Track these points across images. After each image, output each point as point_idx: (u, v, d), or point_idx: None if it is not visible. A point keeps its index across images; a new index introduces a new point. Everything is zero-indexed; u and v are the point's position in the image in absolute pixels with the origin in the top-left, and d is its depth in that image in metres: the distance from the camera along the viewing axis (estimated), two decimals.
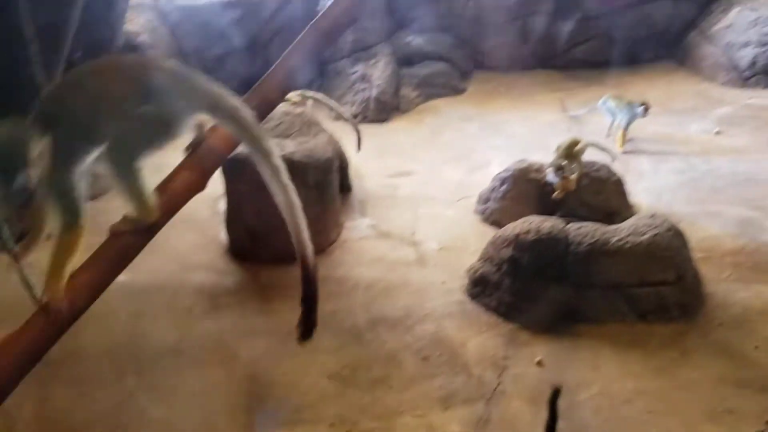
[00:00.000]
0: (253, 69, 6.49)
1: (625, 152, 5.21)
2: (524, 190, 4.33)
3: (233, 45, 6.56)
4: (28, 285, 1.76)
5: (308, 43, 2.24)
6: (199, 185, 2.07)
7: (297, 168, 4.10)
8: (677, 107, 5.97)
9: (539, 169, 4.34)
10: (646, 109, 5.36)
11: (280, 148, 4.10)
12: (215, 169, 2.20)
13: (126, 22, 5.70)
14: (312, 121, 4.48)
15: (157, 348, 3.60)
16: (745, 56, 6.16)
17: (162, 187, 2.01)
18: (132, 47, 5.84)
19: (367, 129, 6.05)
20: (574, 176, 4.20)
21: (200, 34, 6.47)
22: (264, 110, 2.25)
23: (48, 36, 3.89)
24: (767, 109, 5.72)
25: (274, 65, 2.19)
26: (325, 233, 4.34)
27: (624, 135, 5.38)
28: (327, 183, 4.30)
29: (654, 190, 4.72)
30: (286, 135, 4.28)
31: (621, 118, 5.41)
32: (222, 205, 4.70)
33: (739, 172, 4.85)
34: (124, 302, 3.94)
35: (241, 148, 3.80)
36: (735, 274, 3.80)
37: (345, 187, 4.91)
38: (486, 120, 6.09)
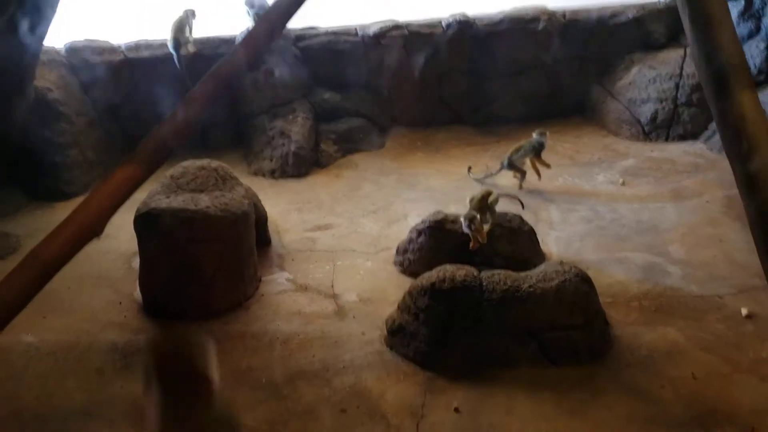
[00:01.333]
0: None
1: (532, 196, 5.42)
2: (440, 241, 4.41)
3: (146, 100, 6.50)
4: None
5: (207, 90, 2.29)
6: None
7: (212, 222, 4.08)
8: (584, 160, 6.24)
9: (454, 221, 4.43)
10: (543, 134, 5.73)
11: (193, 203, 4.08)
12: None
13: (36, 77, 5.61)
14: (227, 176, 4.47)
15: (65, 411, 3.46)
16: (646, 112, 6.53)
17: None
18: (42, 103, 5.73)
19: (286, 184, 6.11)
20: (486, 227, 4.32)
21: (112, 90, 6.40)
22: (161, 155, 2.30)
23: None
24: (667, 161, 6.04)
25: (174, 109, 2.22)
26: (242, 287, 4.29)
27: (539, 161, 5.73)
28: (243, 237, 4.28)
29: (564, 238, 4.89)
30: (201, 189, 4.25)
31: (527, 153, 5.71)
32: (136, 262, 4.60)
33: (643, 220, 5.09)
34: (31, 363, 3.79)
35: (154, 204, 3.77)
36: (641, 317, 3.96)
37: (263, 241, 4.89)
38: (403, 174, 6.20)
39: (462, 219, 4.28)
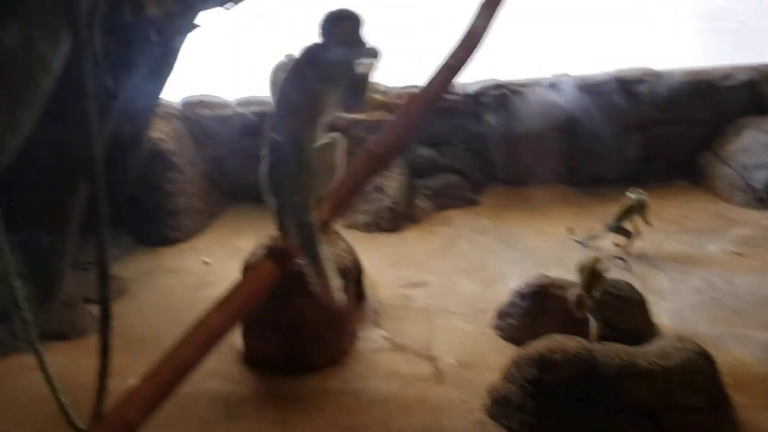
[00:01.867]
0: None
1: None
2: (545, 307, 4.25)
3: (251, 154, 6.68)
4: (53, 387, 1.69)
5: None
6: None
7: None
8: (693, 226, 5.97)
9: (561, 286, 4.27)
10: (641, 193, 5.61)
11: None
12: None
13: (152, 129, 5.86)
14: (330, 228, 4.46)
15: None
16: (760, 178, 6.21)
17: None
18: (156, 153, 5.96)
19: (379, 238, 6.08)
20: (596, 296, 4.14)
21: (221, 143, 6.61)
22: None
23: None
24: None
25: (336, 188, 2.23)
26: (340, 343, 4.24)
27: (644, 219, 5.57)
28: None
29: (676, 310, 4.63)
30: None
31: (631, 214, 5.55)
32: None
33: (763, 294, 4.77)
34: None
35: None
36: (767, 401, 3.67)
37: (359, 296, 4.85)
38: (500, 232, 6.09)
39: (571, 301, 4.08)
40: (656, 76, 6.73)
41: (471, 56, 2.70)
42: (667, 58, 7.13)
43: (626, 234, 5.52)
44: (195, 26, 4.75)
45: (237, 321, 2.29)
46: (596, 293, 4.09)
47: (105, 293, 2.09)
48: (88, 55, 2.05)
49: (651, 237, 5.64)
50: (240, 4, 4.39)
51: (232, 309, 2.28)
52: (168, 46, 4.74)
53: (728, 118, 6.73)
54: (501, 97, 6.77)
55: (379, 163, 2.61)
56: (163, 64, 4.96)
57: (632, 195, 5.59)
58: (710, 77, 6.75)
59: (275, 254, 2.42)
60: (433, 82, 2.80)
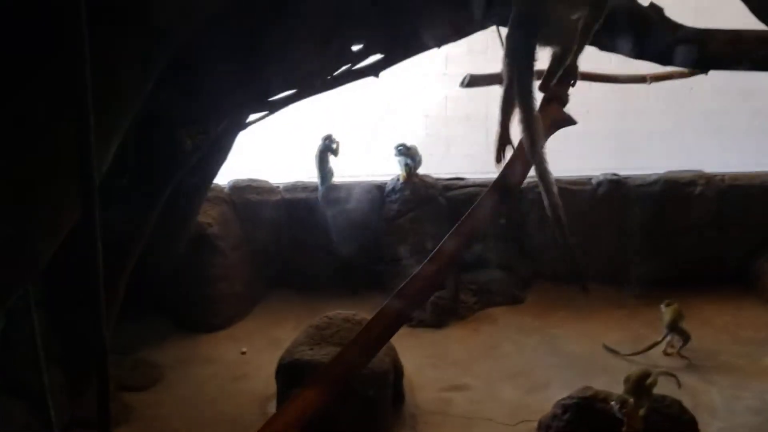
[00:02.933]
0: (318, 267, 6.70)
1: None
2: (589, 421, 4.07)
3: (297, 240, 6.78)
4: None
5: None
6: None
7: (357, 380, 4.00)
8: (747, 336, 5.72)
9: (605, 399, 4.10)
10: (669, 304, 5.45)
11: None
12: None
13: (200, 213, 5.97)
14: None
15: None
16: None
17: None
18: (201, 237, 6.04)
19: (423, 334, 5.98)
20: (642, 412, 3.96)
21: (267, 228, 6.68)
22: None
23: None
24: None
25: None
26: None
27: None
28: (380, 398, 4.17)
29: (728, 431, 4.39)
30: (344, 344, 4.21)
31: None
32: (272, 407, 4.57)
33: None
34: None
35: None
36: None
37: (397, 398, 4.74)
38: (545, 334, 5.93)
39: (614, 402, 3.95)
40: (708, 178, 6.61)
41: None
42: (720, 159, 7.04)
43: (685, 336, 5.34)
44: (246, 125, 4.90)
45: None
46: (642, 410, 3.92)
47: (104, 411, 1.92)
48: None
49: (702, 346, 5.44)
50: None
51: None
52: (220, 141, 4.88)
53: None
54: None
55: None
56: (215, 154, 5.09)
57: (663, 307, 5.47)
58: (763, 181, 6.60)
59: None
60: None
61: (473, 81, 5.17)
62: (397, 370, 4.66)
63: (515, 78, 2.33)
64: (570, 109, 6.98)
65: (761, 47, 1.93)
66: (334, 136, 6.75)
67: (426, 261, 2.07)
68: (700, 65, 2.44)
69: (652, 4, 2.28)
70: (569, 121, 1.82)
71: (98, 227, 1.73)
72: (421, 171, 6.80)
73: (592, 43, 2.37)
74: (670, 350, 5.41)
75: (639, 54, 2.48)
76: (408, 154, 6.65)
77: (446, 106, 7.41)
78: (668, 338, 5.39)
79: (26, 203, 2.47)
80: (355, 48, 3.55)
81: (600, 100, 7.02)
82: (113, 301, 4.46)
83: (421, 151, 6.84)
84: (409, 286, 2.09)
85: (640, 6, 2.22)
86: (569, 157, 7.30)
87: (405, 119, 7.51)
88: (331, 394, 2.12)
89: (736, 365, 5.27)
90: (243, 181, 6.78)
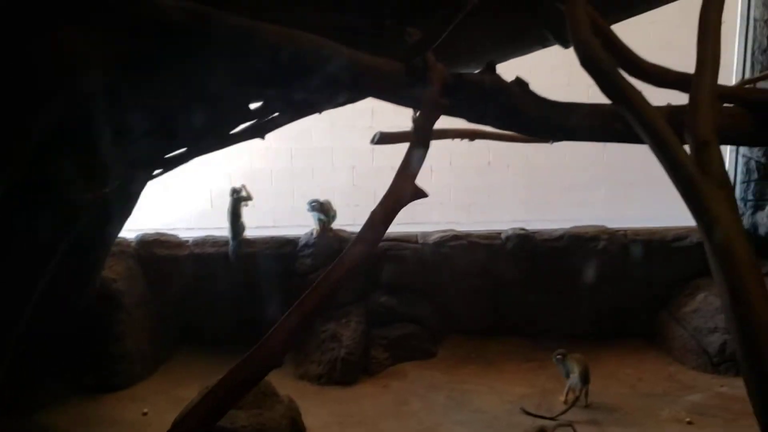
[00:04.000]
0: (227, 324, 6.58)
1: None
2: None
3: (206, 296, 6.66)
4: None
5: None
6: None
7: None
8: (647, 390, 5.88)
9: None
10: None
11: (229, 421, 3.94)
12: None
13: (105, 268, 5.81)
14: (269, 392, 4.35)
15: None
16: (714, 342, 6.19)
17: None
18: (105, 293, 5.87)
19: (331, 392, 5.92)
20: None
21: (174, 284, 6.56)
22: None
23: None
24: (739, 401, 5.59)
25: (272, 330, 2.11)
26: None
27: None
28: None
29: None
30: (239, 406, 4.12)
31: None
32: None
33: None
34: None
35: None
36: None
37: None
38: (454, 390, 5.95)
39: None
40: (611, 233, 6.85)
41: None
42: (623, 215, 7.33)
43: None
44: (154, 176, 4.82)
45: None
46: None
47: None
48: None
49: (604, 399, 5.55)
50: None
51: None
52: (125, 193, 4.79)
53: (683, 279, 6.79)
54: (459, 247, 6.83)
55: None
56: (118, 207, 4.99)
57: (555, 359, 5.69)
58: (664, 237, 6.87)
59: None
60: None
61: (383, 138, 5.26)
62: (298, 431, 4.58)
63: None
64: (484, 162, 7.18)
65: (617, 121, 2.04)
66: (246, 187, 6.74)
67: (287, 313, 2.05)
68: (562, 137, 2.56)
69: (517, 78, 2.39)
70: (420, 194, 1.87)
71: None
72: (345, 222, 6.83)
73: (460, 116, 2.47)
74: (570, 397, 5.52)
75: (505, 126, 2.60)
76: (321, 209, 6.67)
77: (373, 158, 7.52)
78: (579, 387, 5.50)
79: None
80: (252, 106, 3.58)
81: (513, 154, 7.28)
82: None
83: (348, 202, 6.91)
84: (272, 338, 2.06)
85: (503, 81, 2.32)
86: (483, 209, 7.55)
87: (331, 171, 7.61)
88: None
89: (637, 419, 5.39)
90: (151, 234, 6.65)
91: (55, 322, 5.33)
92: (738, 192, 7.01)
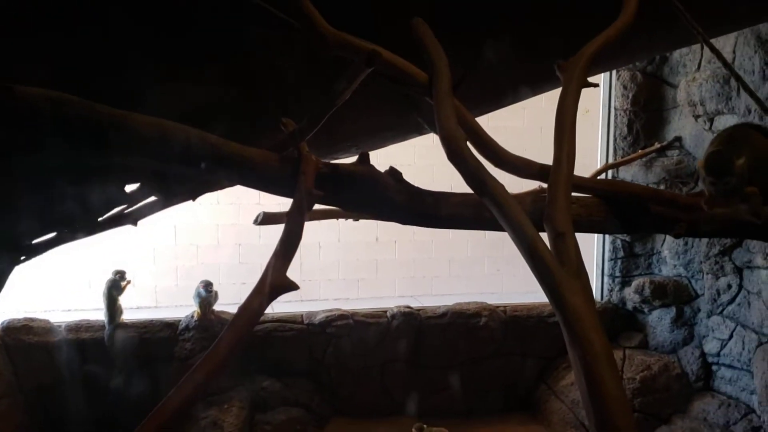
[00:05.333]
0: (102, 411, 6.20)
1: None
2: None
3: (79, 384, 6.28)
4: None
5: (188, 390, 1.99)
6: None
7: None
8: None
9: None
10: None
11: None
12: None
13: None
14: None
15: None
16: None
17: None
18: None
19: None
20: None
21: (44, 372, 6.16)
22: None
23: None
24: None
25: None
26: None
27: None
28: None
29: None
30: None
31: None
32: None
33: None
34: None
35: None
36: None
37: None
38: None
39: None
40: (491, 310, 7.04)
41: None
42: (504, 287, 7.60)
43: None
44: (20, 262, 4.56)
45: None
46: None
47: None
48: None
49: None
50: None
51: None
52: None
53: (560, 353, 7.05)
54: (345, 327, 6.81)
55: None
56: None
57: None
58: (540, 312, 7.14)
59: None
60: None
61: (266, 219, 5.22)
62: None
63: None
64: (372, 238, 7.23)
65: (486, 210, 2.13)
66: (124, 273, 6.48)
67: (159, 405, 1.94)
68: (436, 225, 2.65)
69: (391, 169, 2.46)
70: (292, 287, 1.86)
71: None
72: (231, 301, 6.66)
73: (334, 205, 2.51)
74: None
75: (380, 215, 2.66)
76: (203, 291, 6.51)
77: (260, 235, 7.45)
78: None
79: None
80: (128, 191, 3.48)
81: (401, 230, 7.42)
82: None
83: (234, 280, 6.76)
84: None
85: (377, 172, 2.39)
86: (371, 285, 7.60)
87: (216, 248, 7.45)
88: None
89: None
90: (18, 321, 6.26)
91: None
92: (607, 268, 7.44)
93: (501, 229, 2.21)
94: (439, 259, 8.02)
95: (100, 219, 3.34)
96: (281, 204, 5.00)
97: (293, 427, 6.44)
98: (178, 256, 7.44)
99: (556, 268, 1.89)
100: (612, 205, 2.68)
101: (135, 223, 3.11)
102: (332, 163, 2.31)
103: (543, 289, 1.90)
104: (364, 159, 2.38)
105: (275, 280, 1.84)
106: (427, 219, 2.57)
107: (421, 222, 2.61)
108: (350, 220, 5.09)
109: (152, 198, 3.46)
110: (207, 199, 6.55)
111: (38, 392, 6.19)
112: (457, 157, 2.15)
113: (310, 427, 6.56)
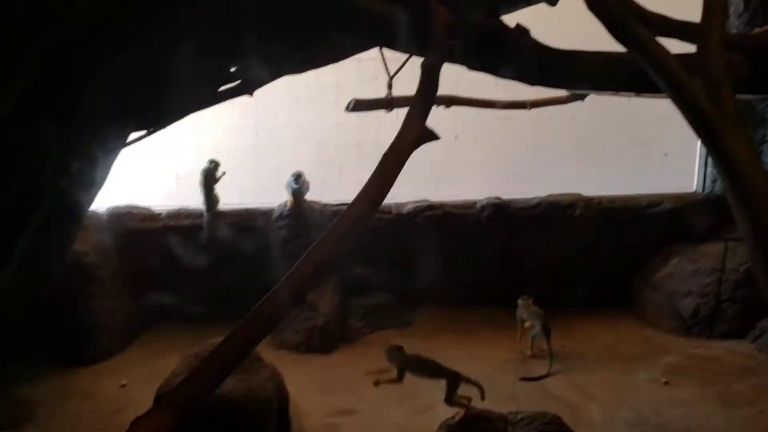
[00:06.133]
0: (202, 294, 6.50)
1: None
2: None
3: (181, 268, 6.55)
4: None
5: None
6: None
7: (234, 407, 3.87)
8: (624, 352, 5.97)
9: (488, 418, 4.15)
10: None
11: None
12: None
13: (75, 242, 5.65)
14: (254, 357, 4.30)
15: None
16: (687, 306, 6.31)
17: None
18: (77, 266, 5.72)
19: (310, 359, 5.90)
20: None
21: (148, 256, 6.43)
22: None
23: None
24: (713, 360, 5.73)
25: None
26: None
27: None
28: (262, 425, 4.05)
29: None
30: None
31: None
32: None
33: (691, 427, 4.72)
34: None
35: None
36: None
37: (282, 425, 4.61)
38: (432, 356, 5.92)
39: None
40: (587, 201, 6.89)
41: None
42: (599, 184, 7.37)
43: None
44: (126, 144, 4.69)
45: None
46: None
47: None
48: None
49: (583, 363, 5.62)
50: None
51: None
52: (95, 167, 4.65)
53: (656, 245, 6.88)
54: (433, 217, 6.81)
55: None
56: (90, 180, 4.84)
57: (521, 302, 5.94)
58: (638, 204, 6.95)
59: None
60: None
61: (358, 105, 5.17)
62: (282, 396, 4.54)
63: None
64: (452, 136, 7.10)
65: (622, 68, 2.01)
66: (219, 163, 6.59)
67: (285, 277, 1.98)
68: (567, 86, 2.53)
69: (518, 25, 2.34)
70: (432, 137, 1.81)
71: None
72: (311, 198, 6.75)
73: (461, 63, 2.41)
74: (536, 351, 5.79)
75: (507, 75, 2.56)
76: (295, 180, 6.58)
77: (338, 133, 7.42)
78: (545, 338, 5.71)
79: None
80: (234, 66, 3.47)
81: (481, 127, 7.24)
82: None
83: (313, 178, 6.81)
84: (267, 304, 2.00)
85: (505, 26, 2.28)
86: (454, 183, 7.49)
87: (296, 147, 7.46)
88: (181, 418, 1.95)
89: (614, 380, 5.47)
90: (122, 208, 6.50)
91: (30, 297, 5.19)
92: (710, 158, 7.10)
93: (637, 90, 2.08)
94: (522, 158, 7.77)
95: (218, 89, 3.37)
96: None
97: (384, 312, 6.59)
98: (260, 154, 7.45)
99: (715, 116, 1.77)
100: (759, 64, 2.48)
101: (251, 94, 3.11)
102: (461, 17, 2.21)
103: (701, 137, 1.80)
104: (493, 12, 2.27)
105: (416, 130, 1.80)
106: (558, 76, 2.45)
107: (550, 80, 2.49)
108: (432, 116, 4.99)
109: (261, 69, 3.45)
110: (286, 98, 6.60)
111: (143, 275, 6.48)
112: (599, 6, 2.01)
113: (401, 312, 6.70)
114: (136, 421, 1.75)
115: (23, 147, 3.58)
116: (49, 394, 5.21)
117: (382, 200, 1.80)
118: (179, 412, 1.74)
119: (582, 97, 4.62)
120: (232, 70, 3.55)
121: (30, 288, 5.10)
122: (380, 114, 4.82)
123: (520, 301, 5.95)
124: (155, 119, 3.76)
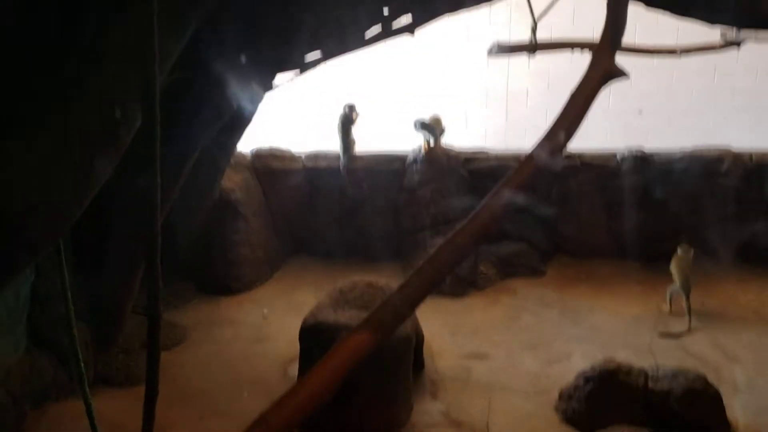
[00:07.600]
0: (338, 235, 6.72)
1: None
2: (611, 393, 4.07)
3: (317, 208, 6.79)
4: None
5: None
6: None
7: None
8: None
9: (628, 372, 4.10)
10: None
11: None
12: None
13: (223, 179, 5.97)
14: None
15: None
16: None
17: None
18: (224, 202, 6.05)
19: (441, 303, 5.97)
20: None
21: (288, 195, 6.69)
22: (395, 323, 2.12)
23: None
24: None
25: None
26: (396, 415, 4.15)
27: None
28: (401, 362, 4.18)
29: (752, 407, 4.35)
30: (367, 306, 4.21)
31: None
32: (293, 369, 4.60)
33: None
34: None
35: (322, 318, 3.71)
36: None
37: (417, 365, 4.74)
38: (566, 307, 5.91)
39: None
40: (735, 155, 6.51)
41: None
42: (748, 138, 6.93)
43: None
44: (273, 87, 4.86)
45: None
46: None
47: (154, 343, 2.01)
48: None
49: (726, 324, 5.42)
50: None
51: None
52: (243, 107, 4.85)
53: None
54: (571, 168, 6.65)
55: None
56: (240, 117, 5.07)
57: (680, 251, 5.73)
58: None
59: None
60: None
61: (501, 49, 5.08)
62: (418, 336, 4.66)
63: None
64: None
65: None
66: (354, 106, 6.69)
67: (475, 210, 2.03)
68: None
69: None
70: (620, 73, 1.76)
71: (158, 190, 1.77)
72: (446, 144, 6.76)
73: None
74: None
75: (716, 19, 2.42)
76: (429, 126, 6.58)
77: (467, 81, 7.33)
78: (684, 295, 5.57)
79: (62, 157, 2.47)
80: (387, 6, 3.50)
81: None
82: (135, 265, 4.50)
83: (446, 122, 6.79)
84: (461, 234, 2.04)
85: None
86: (593, 134, 7.23)
87: (434, 91, 7.42)
88: (378, 341, 2.07)
89: (759, 343, 5.23)
90: (265, 149, 6.76)
91: (182, 229, 5.56)
92: None
93: None
94: (658, 110, 7.38)
95: (366, 32, 3.42)
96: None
97: (517, 260, 6.57)
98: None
99: None
100: None
101: (412, 33, 3.13)
102: None
103: None
104: None
105: (605, 65, 1.76)
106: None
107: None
108: (564, 64, 4.80)
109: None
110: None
111: (283, 213, 6.77)
112: None
113: (534, 261, 6.65)
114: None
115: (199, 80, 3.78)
116: (198, 319, 5.61)
117: (570, 140, 1.78)
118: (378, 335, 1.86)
119: (738, 44, 4.34)
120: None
121: (185, 218, 5.47)
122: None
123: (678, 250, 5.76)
124: (310, 61, 3.87)
